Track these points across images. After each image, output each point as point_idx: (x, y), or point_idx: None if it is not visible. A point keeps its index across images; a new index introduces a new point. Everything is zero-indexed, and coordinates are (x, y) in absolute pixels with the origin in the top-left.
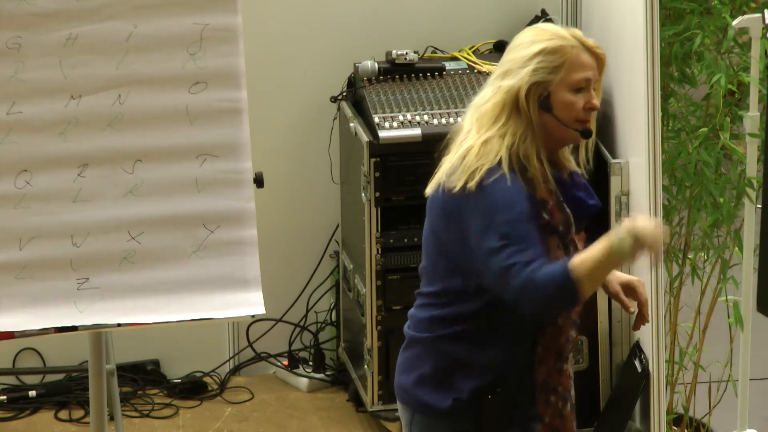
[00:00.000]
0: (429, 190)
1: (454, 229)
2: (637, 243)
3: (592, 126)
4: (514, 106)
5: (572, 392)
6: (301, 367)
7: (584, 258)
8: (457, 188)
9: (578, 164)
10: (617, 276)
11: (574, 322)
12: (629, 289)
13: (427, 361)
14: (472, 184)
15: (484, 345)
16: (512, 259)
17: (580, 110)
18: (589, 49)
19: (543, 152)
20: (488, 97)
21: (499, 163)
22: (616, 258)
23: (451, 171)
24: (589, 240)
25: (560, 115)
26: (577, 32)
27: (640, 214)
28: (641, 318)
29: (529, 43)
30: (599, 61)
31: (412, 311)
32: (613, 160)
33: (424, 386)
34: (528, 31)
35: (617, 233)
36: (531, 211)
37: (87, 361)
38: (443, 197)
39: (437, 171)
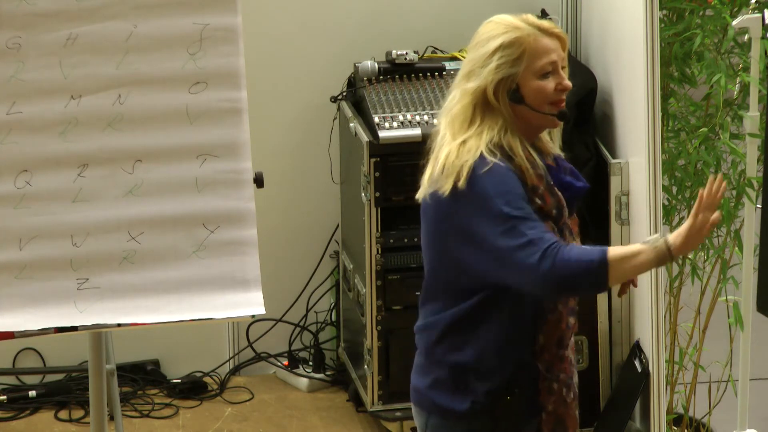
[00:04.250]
0: (419, 195)
1: (453, 232)
2: (679, 254)
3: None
4: (484, 105)
5: (575, 379)
6: (301, 367)
7: (624, 255)
8: (446, 191)
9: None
10: None
11: (572, 309)
12: None
13: (442, 365)
14: (462, 183)
15: (488, 348)
16: (527, 239)
17: (551, 93)
18: (546, 32)
19: (525, 141)
20: (456, 100)
21: (482, 156)
22: (656, 266)
23: (435, 177)
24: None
25: (533, 103)
26: (531, 18)
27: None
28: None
29: (486, 41)
30: (560, 41)
31: (419, 323)
32: (613, 160)
33: (439, 389)
34: (483, 26)
35: (660, 244)
36: (525, 195)
37: (87, 361)
38: (434, 204)
39: (422, 177)
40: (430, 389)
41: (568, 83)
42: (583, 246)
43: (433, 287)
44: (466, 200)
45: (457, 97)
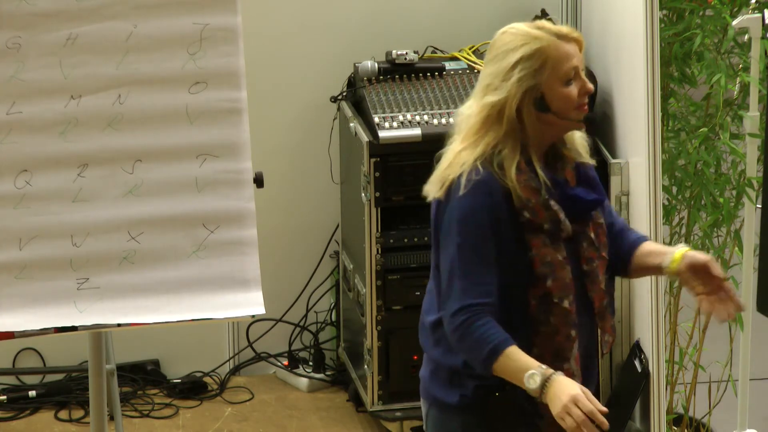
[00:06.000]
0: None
1: (437, 237)
2: (544, 397)
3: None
4: (494, 119)
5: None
6: (301, 367)
7: (513, 358)
8: (432, 197)
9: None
10: (690, 257)
11: (575, 322)
12: (699, 271)
13: (439, 362)
14: (440, 194)
15: None
16: (456, 289)
17: (576, 98)
18: (565, 38)
19: (534, 154)
20: (473, 111)
21: (468, 172)
22: (524, 387)
23: (431, 180)
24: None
25: (559, 110)
26: (547, 24)
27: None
28: (733, 305)
29: (505, 54)
30: (578, 44)
31: (420, 321)
32: (613, 160)
33: (436, 381)
34: (499, 37)
35: (535, 378)
36: (493, 225)
37: (87, 361)
38: (432, 206)
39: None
40: (430, 380)
41: (590, 86)
42: (494, 329)
43: (432, 288)
44: (445, 211)
45: (475, 109)
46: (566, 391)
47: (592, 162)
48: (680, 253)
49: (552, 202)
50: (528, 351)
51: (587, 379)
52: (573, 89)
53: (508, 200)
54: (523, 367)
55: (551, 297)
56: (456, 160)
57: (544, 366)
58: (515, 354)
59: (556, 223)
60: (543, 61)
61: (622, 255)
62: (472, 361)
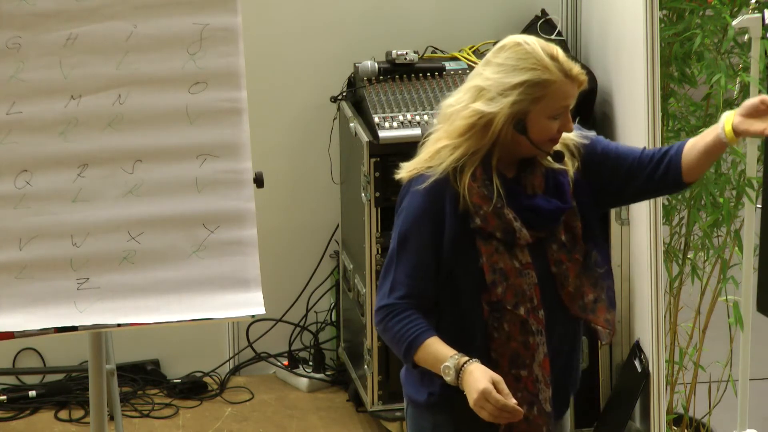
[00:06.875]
0: None
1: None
2: (460, 382)
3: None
4: (479, 129)
5: (545, 395)
6: (301, 367)
7: (429, 351)
8: (398, 177)
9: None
10: (739, 108)
11: (530, 330)
12: (755, 111)
13: None
14: (405, 178)
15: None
16: (389, 281)
17: (554, 132)
18: (572, 78)
19: (495, 162)
20: (461, 108)
21: (436, 171)
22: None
23: (409, 163)
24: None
25: (534, 138)
26: (561, 57)
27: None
28: None
29: (512, 68)
30: (581, 85)
31: None
32: None
33: (410, 379)
34: (512, 46)
35: (449, 371)
36: (438, 228)
37: (87, 361)
38: None
39: None
40: (405, 378)
41: (572, 126)
42: (412, 323)
43: None
44: (402, 199)
45: (463, 107)
46: (475, 386)
47: (566, 167)
48: (730, 113)
49: (506, 211)
50: (486, 355)
51: (562, 382)
52: (555, 124)
53: (454, 207)
54: (441, 359)
55: (504, 304)
56: (436, 155)
57: (457, 355)
58: (431, 346)
59: (509, 231)
60: (544, 93)
61: (667, 166)
62: (399, 357)
